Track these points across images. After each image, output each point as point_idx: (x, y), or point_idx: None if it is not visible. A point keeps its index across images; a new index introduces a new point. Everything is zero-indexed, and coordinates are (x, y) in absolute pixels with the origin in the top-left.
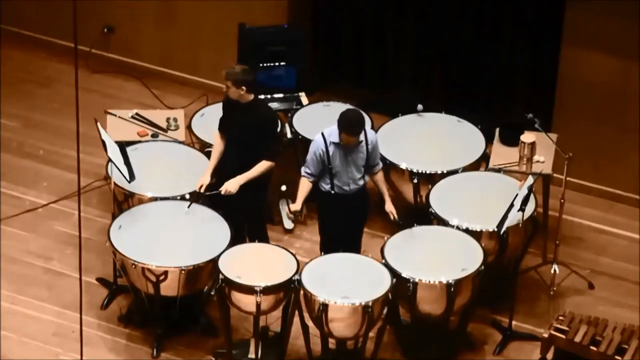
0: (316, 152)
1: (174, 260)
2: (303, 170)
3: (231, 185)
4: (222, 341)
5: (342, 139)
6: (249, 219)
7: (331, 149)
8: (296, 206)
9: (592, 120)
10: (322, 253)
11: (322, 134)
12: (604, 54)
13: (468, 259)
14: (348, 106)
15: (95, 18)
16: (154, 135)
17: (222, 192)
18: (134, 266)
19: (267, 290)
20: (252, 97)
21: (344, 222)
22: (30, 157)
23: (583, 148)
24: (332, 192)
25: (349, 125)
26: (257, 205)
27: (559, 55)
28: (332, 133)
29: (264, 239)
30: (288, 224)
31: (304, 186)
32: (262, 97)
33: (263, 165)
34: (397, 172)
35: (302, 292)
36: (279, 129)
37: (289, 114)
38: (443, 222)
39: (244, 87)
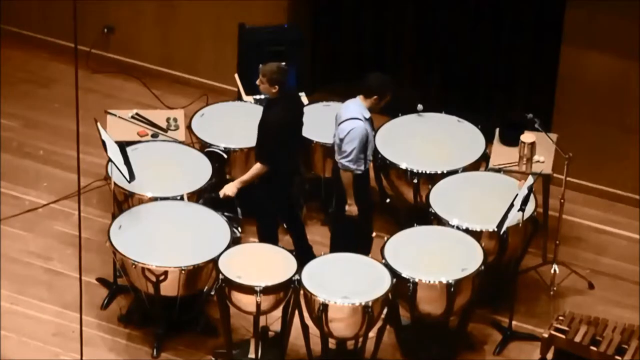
0: (362, 138)
1: (174, 260)
2: (351, 166)
3: (227, 189)
4: (222, 341)
5: (382, 104)
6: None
7: (367, 126)
8: (354, 209)
9: (592, 120)
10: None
11: (358, 118)
12: (604, 54)
13: (468, 259)
14: None
15: (95, 18)
16: (154, 135)
17: (221, 196)
18: (134, 266)
19: (267, 290)
20: (278, 93)
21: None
22: (30, 157)
23: (583, 148)
24: (365, 168)
25: (387, 84)
26: (268, 207)
27: (559, 55)
28: (362, 111)
29: (270, 240)
30: None
31: (351, 182)
32: (257, 97)
33: (254, 169)
34: (397, 172)
35: (302, 292)
36: (280, 131)
37: None
38: (443, 222)
39: (276, 86)
